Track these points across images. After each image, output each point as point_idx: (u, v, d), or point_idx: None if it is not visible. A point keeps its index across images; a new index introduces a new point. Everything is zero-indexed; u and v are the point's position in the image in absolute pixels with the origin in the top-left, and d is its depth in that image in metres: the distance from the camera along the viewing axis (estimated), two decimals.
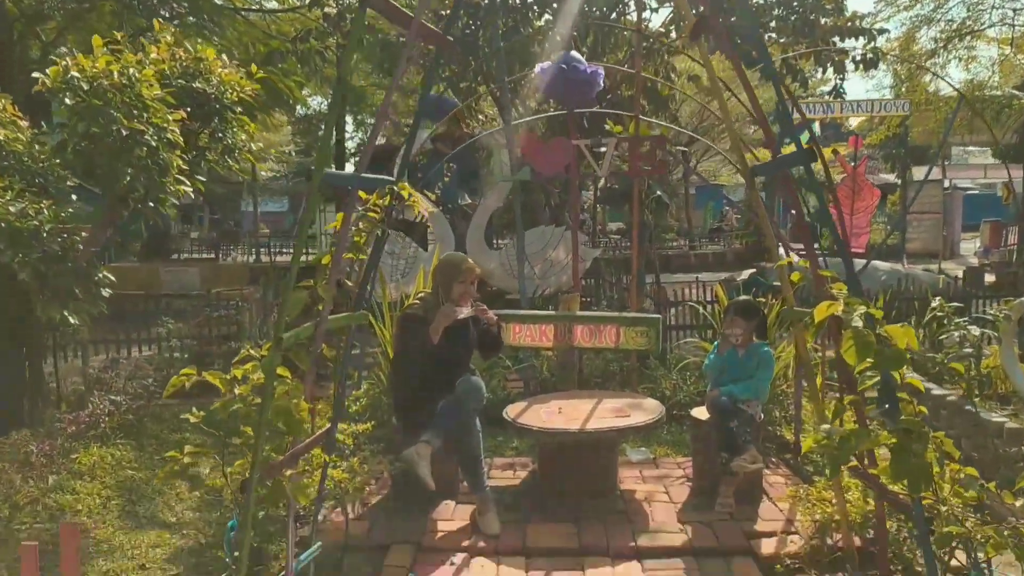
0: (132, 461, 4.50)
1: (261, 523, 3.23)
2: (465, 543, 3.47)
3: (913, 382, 2.22)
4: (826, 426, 2.29)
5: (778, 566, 3.14)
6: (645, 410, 4.04)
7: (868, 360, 2.09)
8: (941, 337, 5.20)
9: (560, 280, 9.24)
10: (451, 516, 3.76)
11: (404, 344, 3.84)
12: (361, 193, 2.94)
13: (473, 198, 12.57)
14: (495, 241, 12.87)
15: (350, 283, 3.24)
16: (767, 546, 3.37)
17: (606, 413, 3.98)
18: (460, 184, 13.54)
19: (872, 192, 7.29)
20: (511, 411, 4.10)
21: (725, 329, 3.98)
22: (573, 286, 5.16)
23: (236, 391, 2.27)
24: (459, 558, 3.35)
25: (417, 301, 3.97)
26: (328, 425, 2.93)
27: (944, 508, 2.20)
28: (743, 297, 4.06)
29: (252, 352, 2.35)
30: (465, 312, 3.69)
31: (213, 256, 18.15)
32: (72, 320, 4.37)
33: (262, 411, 2.08)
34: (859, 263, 8.10)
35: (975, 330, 4.47)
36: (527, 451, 4.75)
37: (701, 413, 4.06)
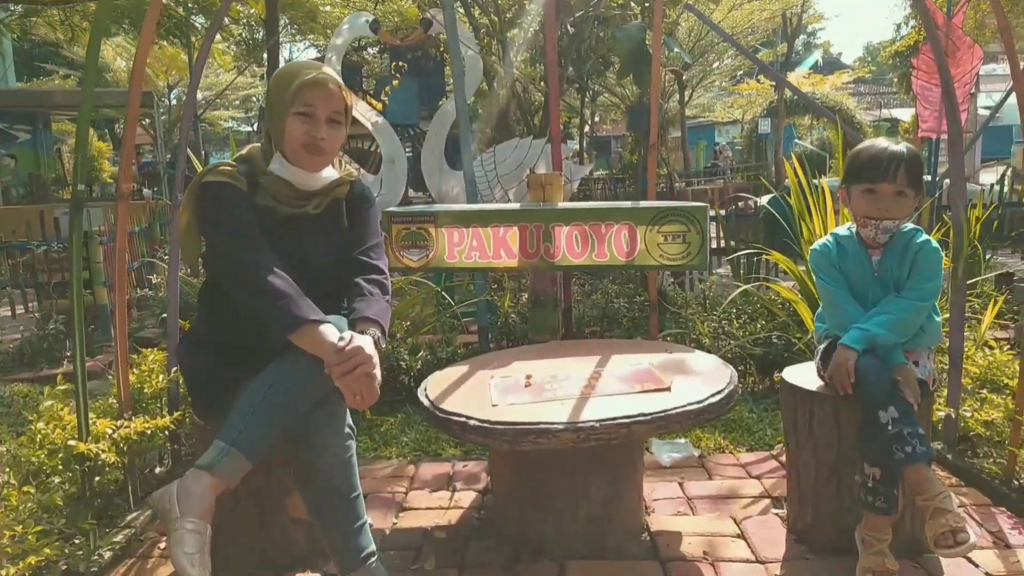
0: None
1: None
2: None
3: None
4: None
5: None
6: (696, 374, 2.04)
7: None
8: None
9: None
10: None
11: (207, 234, 1.81)
12: None
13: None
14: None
15: None
16: None
17: (620, 382, 1.98)
18: (423, 100, 11.35)
19: (972, 52, 5.26)
20: (433, 386, 2.09)
21: (866, 212, 1.93)
22: (554, 167, 3.13)
23: None
24: None
25: (229, 162, 1.89)
26: None
27: None
28: (895, 143, 2.00)
29: None
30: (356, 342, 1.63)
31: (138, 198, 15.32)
32: None
33: None
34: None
35: None
36: (480, 449, 2.77)
37: (801, 376, 2.07)
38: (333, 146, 1.86)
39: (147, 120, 16.27)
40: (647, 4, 4.79)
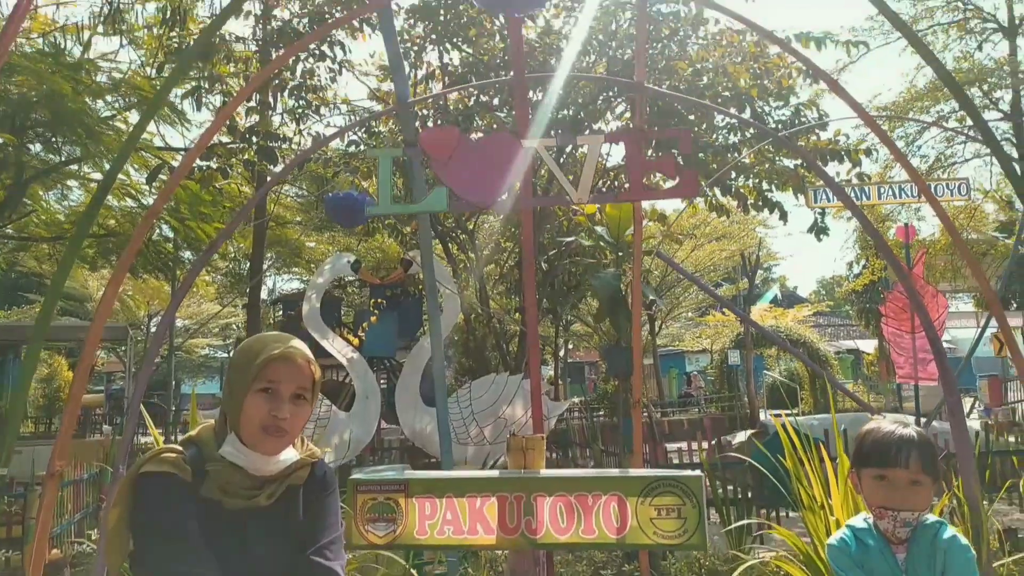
0: None
1: None
2: None
3: None
4: None
5: None
6: None
7: None
8: None
9: None
10: None
11: (136, 535, 1.55)
12: None
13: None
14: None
15: None
16: None
17: None
18: (401, 333, 11.44)
19: (937, 301, 5.45)
20: None
21: (881, 502, 1.74)
22: (534, 429, 2.96)
23: None
24: None
25: (174, 447, 1.68)
26: None
27: None
28: (904, 425, 1.86)
29: None
30: None
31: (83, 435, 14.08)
32: None
33: None
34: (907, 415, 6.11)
35: None
36: None
37: None
38: (295, 426, 1.68)
39: (122, 348, 16.18)
40: (620, 254, 5.00)
